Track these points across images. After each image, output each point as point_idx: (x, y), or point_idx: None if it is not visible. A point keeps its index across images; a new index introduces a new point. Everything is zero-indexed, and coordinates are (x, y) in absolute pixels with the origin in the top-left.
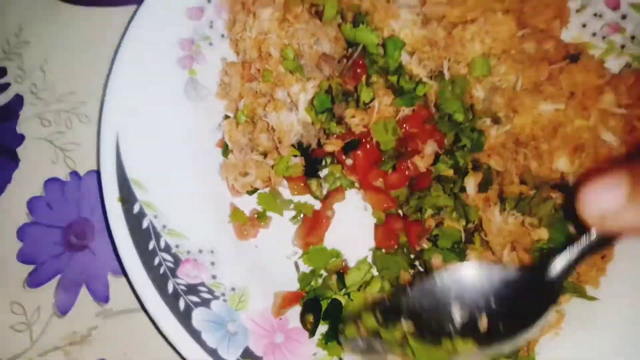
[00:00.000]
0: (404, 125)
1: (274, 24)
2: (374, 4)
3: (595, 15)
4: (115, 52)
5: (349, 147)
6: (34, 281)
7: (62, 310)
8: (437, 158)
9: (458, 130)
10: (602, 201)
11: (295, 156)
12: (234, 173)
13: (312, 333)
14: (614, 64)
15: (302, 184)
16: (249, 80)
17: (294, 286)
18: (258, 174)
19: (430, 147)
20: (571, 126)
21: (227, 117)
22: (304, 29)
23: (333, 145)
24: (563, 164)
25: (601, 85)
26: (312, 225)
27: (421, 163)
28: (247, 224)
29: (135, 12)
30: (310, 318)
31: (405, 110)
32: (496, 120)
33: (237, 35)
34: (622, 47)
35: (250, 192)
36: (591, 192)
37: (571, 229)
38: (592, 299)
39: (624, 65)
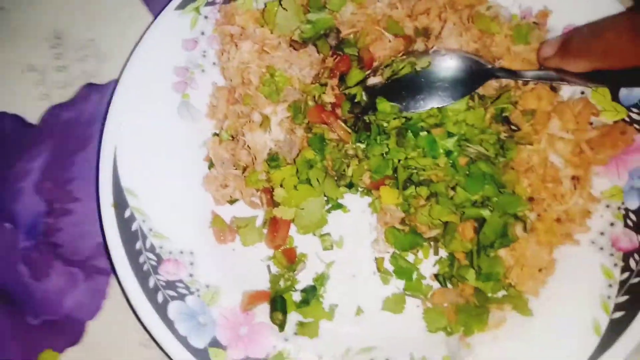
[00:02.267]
0: None
1: (253, 55)
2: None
3: None
4: (118, 78)
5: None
6: None
7: None
8: None
9: None
10: (545, 49)
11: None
12: (215, 185)
13: (281, 328)
14: (567, 92)
15: (270, 197)
16: (234, 103)
17: (266, 286)
18: (236, 186)
19: None
20: (524, 149)
21: (215, 134)
22: (279, 57)
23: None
24: None
25: (549, 111)
26: (274, 228)
27: None
28: (226, 230)
29: (136, 44)
30: (279, 315)
31: None
32: None
33: (224, 64)
34: None
35: (231, 202)
36: (541, 44)
37: None
38: (528, 313)
39: (580, 92)
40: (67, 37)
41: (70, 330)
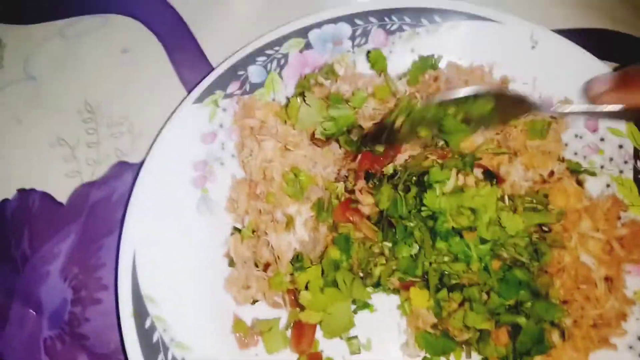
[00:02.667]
0: None
1: (276, 153)
2: None
3: (576, 136)
4: (138, 168)
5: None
6: None
7: None
8: None
9: None
10: (595, 86)
11: (291, 274)
12: (237, 286)
13: None
14: (594, 185)
15: (294, 298)
16: (255, 198)
17: None
18: (259, 287)
19: None
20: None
21: (235, 229)
22: (303, 155)
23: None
24: None
25: (580, 210)
26: (299, 332)
27: None
28: (248, 334)
29: (155, 139)
30: None
31: None
32: None
33: (245, 159)
34: (602, 167)
35: (253, 302)
36: (592, 81)
37: None
38: None
39: (605, 185)
40: (100, 112)
41: None
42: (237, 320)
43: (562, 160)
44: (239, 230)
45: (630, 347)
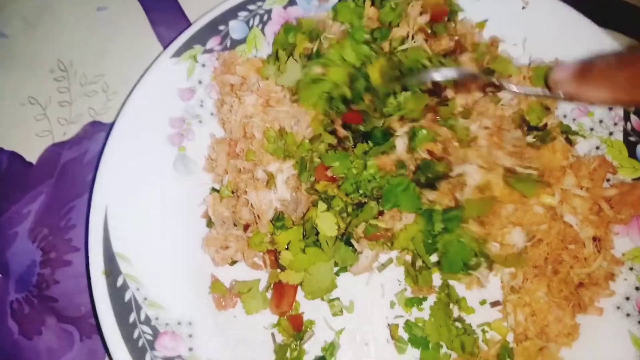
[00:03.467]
0: None
1: (257, 109)
2: None
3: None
4: (110, 127)
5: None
6: None
7: None
8: None
9: None
10: (557, 72)
11: (272, 234)
12: (215, 246)
13: None
14: (583, 146)
15: (274, 259)
16: (234, 157)
17: (272, 358)
18: (238, 247)
19: None
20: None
21: (213, 189)
22: (285, 112)
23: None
24: (518, 237)
25: (564, 166)
26: (279, 293)
27: None
28: (226, 295)
29: (130, 92)
30: None
31: None
32: None
33: (224, 116)
34: (591, 129)
35: (231, 264)
36: (556, 67)
37: None
38: None
39: (595, 147)
40: (73, 70)
41: None
42: (215, 281)
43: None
44: (218, 191)
45: (618, 308)
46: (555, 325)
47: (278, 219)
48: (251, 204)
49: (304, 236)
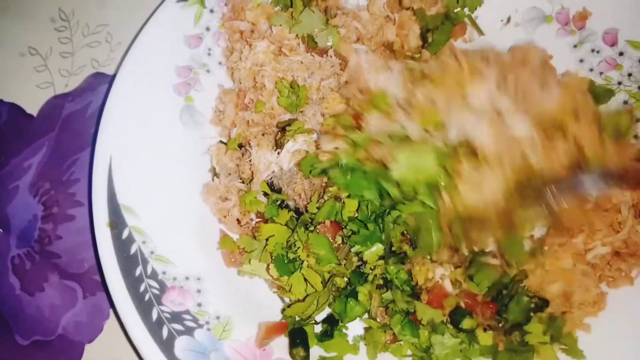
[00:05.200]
0: None
1: (269, 57)
2: None
3: (592, 51)
4: (113, 77)
5: None
6: None
7: None
8: None
9: None
10: None
11: (266, 194)
12: (215, 196)
13: None
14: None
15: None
16: (243, 108)
17: (279, 316)
18: (237, 201)
19: None
20: None
21: (220, 142)
22: (299, 61)
23: None
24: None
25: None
26: None
27: None
28: (235, 251)
29: (133, 40)
30: (301, 352)
31: None
32: None
33: (233, 64)
34: (619, 83)
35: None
36: None
37: None
38: (581, 355)
39: (622, 102)
40: (74, 20)
41: (65, 354)
42: (224, 236)
43: None
44: (225, 143)
45: None
46: (580, 293)
47: (269, 185)
48: (251, 159)
49: None
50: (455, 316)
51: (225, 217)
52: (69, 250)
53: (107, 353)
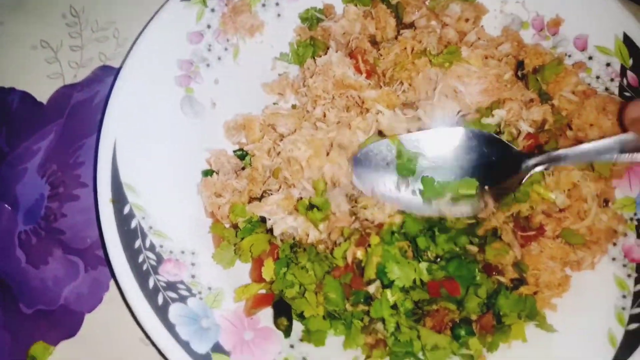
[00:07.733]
0: None
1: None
2: None
3: (565, 55)
4: (119, 69)
5: None
6: None
7: None
8: None
9: None
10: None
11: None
12: (210, 191)
13: (286, 334)
14: None
15: None
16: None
17: None
18: (230, 199)
19: None
20: None
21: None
22: None
23: None
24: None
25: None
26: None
27: None
28: (225, 237)
29: (139, 36)
30: (284, 321)
31: None
32: None
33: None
34: (588, 85)
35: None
36: (631, 105)
37: None
38: (551, 329)
39: None
40: (84, 16)
41: (66, 323)
42: (216, 222)
43: None
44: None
45: (614, 259)
46: (546, 276)
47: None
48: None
49: None
50: (455, 330)
51: (214, 211)
52: (73, 227)
53: (105, 322)
